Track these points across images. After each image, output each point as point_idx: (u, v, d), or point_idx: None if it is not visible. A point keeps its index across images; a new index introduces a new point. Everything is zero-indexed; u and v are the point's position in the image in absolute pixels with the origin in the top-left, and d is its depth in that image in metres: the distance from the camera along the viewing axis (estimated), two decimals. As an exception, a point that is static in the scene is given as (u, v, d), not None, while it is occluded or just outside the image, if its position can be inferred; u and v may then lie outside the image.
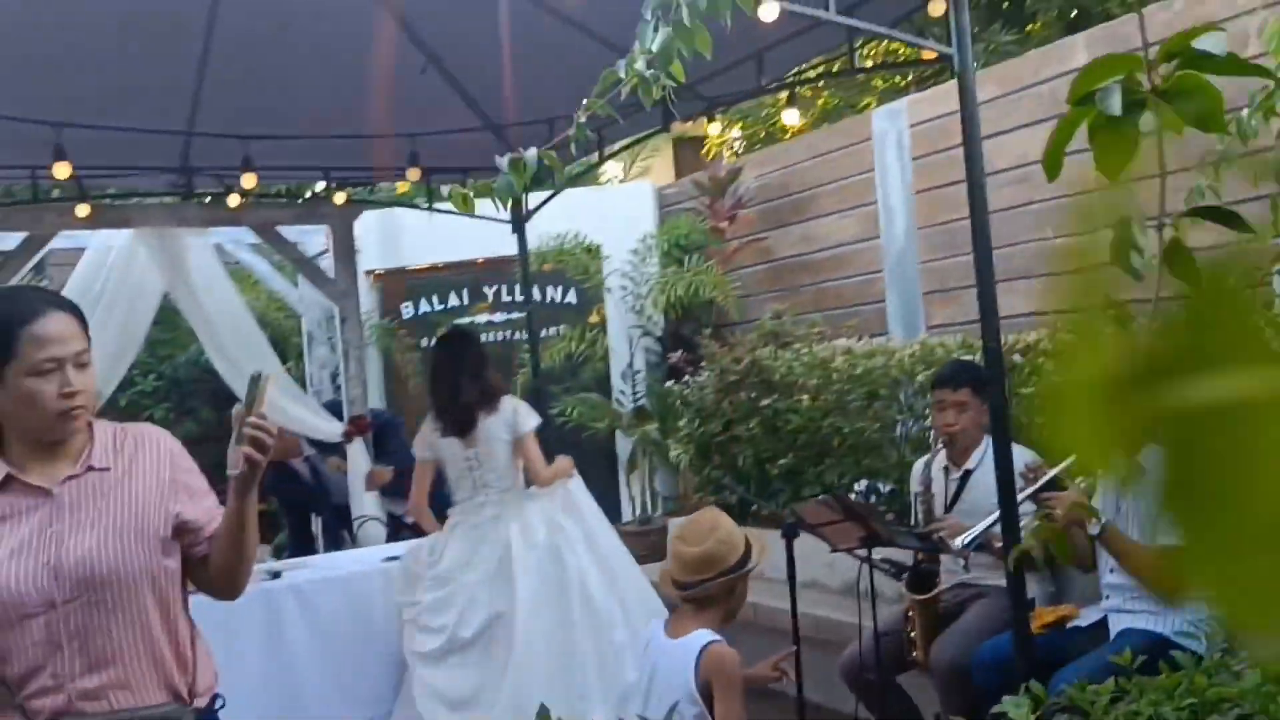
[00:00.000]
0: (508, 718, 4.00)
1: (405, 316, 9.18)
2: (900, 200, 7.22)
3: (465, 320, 9.14)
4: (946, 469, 4.10)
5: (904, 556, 3.83)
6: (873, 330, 7.09)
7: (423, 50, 4.90)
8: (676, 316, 8.00)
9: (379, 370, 9.18)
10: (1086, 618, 3.57)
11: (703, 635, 2.66)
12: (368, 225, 9.15)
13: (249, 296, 7.92)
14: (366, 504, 5.72)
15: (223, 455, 1.97)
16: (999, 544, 3.68)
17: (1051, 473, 3.54)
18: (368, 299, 9.18)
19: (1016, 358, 4.73)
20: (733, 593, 2.72)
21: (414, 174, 5.30)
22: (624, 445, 8.20)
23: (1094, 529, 3.42)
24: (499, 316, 9.09)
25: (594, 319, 8.71)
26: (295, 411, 5.59)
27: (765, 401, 5.38)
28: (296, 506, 6.24)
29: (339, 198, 5.47)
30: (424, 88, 5.10)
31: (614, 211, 8.60)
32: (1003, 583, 3.91)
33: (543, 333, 8.34)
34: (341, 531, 5.85)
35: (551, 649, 4.24)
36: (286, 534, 6.59)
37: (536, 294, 9.03)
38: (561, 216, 8.29)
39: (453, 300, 9.16)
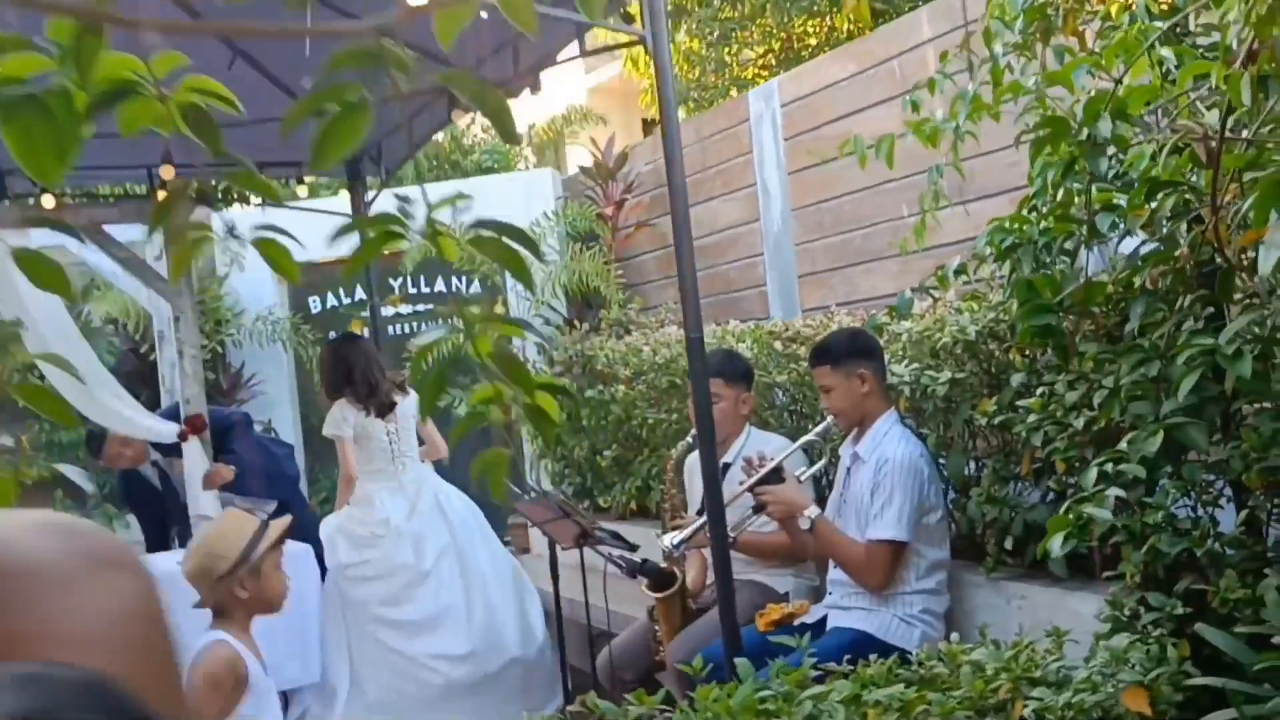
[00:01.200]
0: (478, 631, 4.88)
1: (314, 311, 9.15)
2: (776, 182, 7.09)
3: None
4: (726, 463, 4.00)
5: (652, 553, 3.72)
6: (757, 315, 6.97)
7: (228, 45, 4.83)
8: (578, 305, 7.91)
9: (289, 366, 9.16)
10: (814, 615, 3.46)
11: (209, 636, 2.63)
12: (271, 219, 9.11)
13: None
14: (204, 504, 5.66)
15: None
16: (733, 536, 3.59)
17: (772, 464, 3.43)
18: (275, 294, 9.17)
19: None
20: (242, 590, 2.65)
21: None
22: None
23: (804, 522, 3.31)
24: (405, 309, 9.04)
25: (499, 308, 8.62)
26: (128, 415, 5.54)
27: (590, 391, 5.28)
28: (150, 513, 6.19)
29: (162, 195, 5.38)
30: (238, 81, 5.02)
31: (513, 199, 8.50)
32: (755, 577, 3.82)
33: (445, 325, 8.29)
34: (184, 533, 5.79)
35: (492, 575, 5.08)
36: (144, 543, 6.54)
37: (442, 285, 9.02)
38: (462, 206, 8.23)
39: (360, 294, 9.11)
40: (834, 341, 3.48)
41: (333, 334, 8.66)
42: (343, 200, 6.78)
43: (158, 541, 6.24)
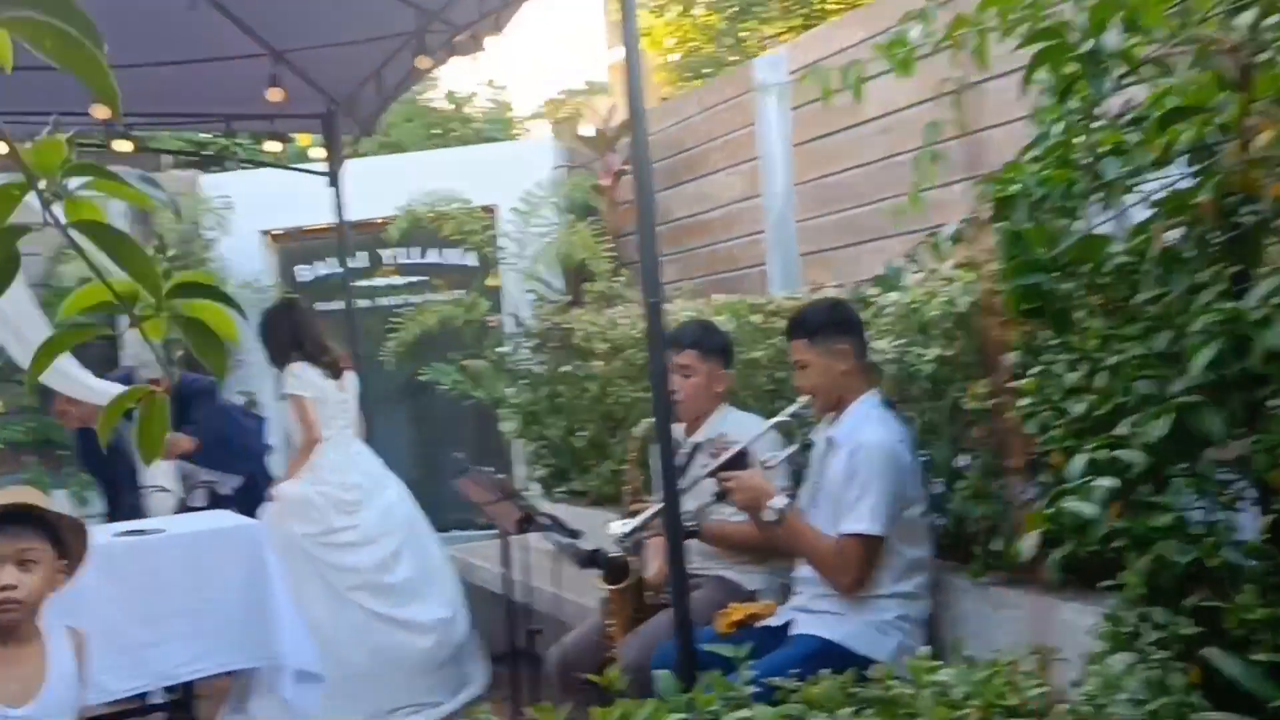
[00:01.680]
0: (451, 597, 4.92)
1: (302, 280, 8.82)
2: (780, 154, 6.71)
3: (364, 284, 8.78)
4: (697, 445, 3.65)
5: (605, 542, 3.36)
6: (756, 294, 6.61)
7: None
8: (575, 280, 7.55)
9: (271, 336, 8.81)
10: (780, 617, 3.11)
11: None
12: (261, 182, 8.81)
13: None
14: (157, 473, 5.34)
15: None
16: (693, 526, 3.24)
17: (737, 448, 3.08)
18: (262, 261, 8.85)
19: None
20: None
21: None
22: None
23: (769, 515, 2.95)
24: (399, 280, 8.70)
25: (492, 282, 8.27)
26: (70, 372, 5.23)
27: (566, 367, 4.92)
28: (105, 476, 5.89)
29: (124, 145, 5.07)
30: (200, 24, 4.70)
31: (509, 168, 8.13)
32: (726, 573, 3.47)
33: (433, 297, 7.96)
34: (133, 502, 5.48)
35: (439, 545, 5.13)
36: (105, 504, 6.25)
37: (436, 256, 8.67)
38: (458, 174, 7.89)
39: (351, 262, 8.76)
40: (811, 313, 3.10)
41: (324, 305, 8.37)
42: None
43: (116, 504, 5.94)
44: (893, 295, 3.13)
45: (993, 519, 2.83)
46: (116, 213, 7.41)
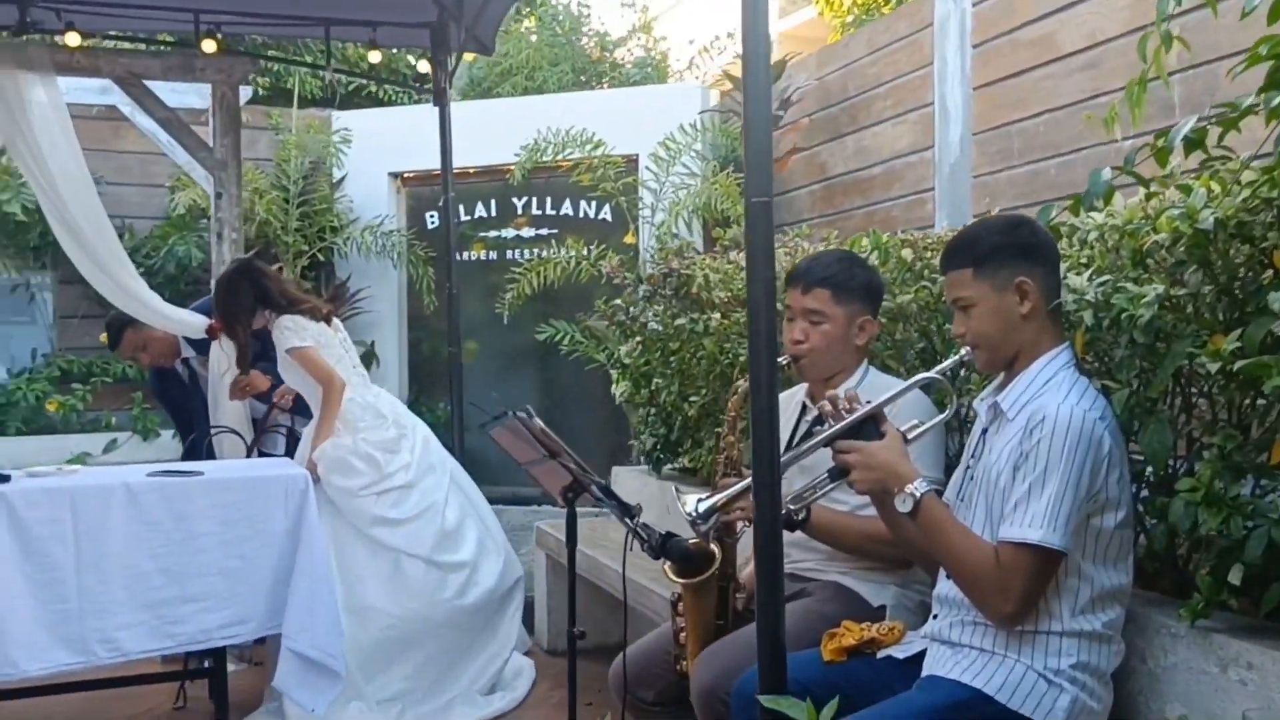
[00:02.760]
0: (496, 542, 4.50)
1: (430, 227, 8.29)
2: (958, 99, 5.79)
3: (493, 234, 8.20)
4: (805, 405, 2.85)
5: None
6: (918, 262, 5.72)
7: None
8: (714, 234, 6.78)
9: (400, 284, 8.33)
10: (908, 648, 2.28)
11: None
12: (393, 122, 8.31)
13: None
14: (227, 414, 4.83)
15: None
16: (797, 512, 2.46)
17: (868, 408, 2.27)
18: (389, 205, 8.36)
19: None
20: None
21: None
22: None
23: (904, 504, 2.13)
24: (528, 231, 8.08)
25: (630, 239, 7.56)
26: (150, 302, 4.78)
27: (680, 320, 4.16)
28: (177, 415, 5.43)
29: (209, 45, 4.54)
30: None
31: (653, 112, 7.39)
32: (840, 579, 2.68)
33: (563, 252, 7.29)
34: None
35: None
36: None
37: (569, 208, 8.01)
38: (598, 119, 7.21)
39: (480, 211, 8.20)
40: (979, 234, 2.24)
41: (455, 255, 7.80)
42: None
43: (191, 449, 5.49)
44: (1096, 216, 2.26)
45: (1231, 537, 1.94)
46: (259, 144, 7.01)
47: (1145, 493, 2.29)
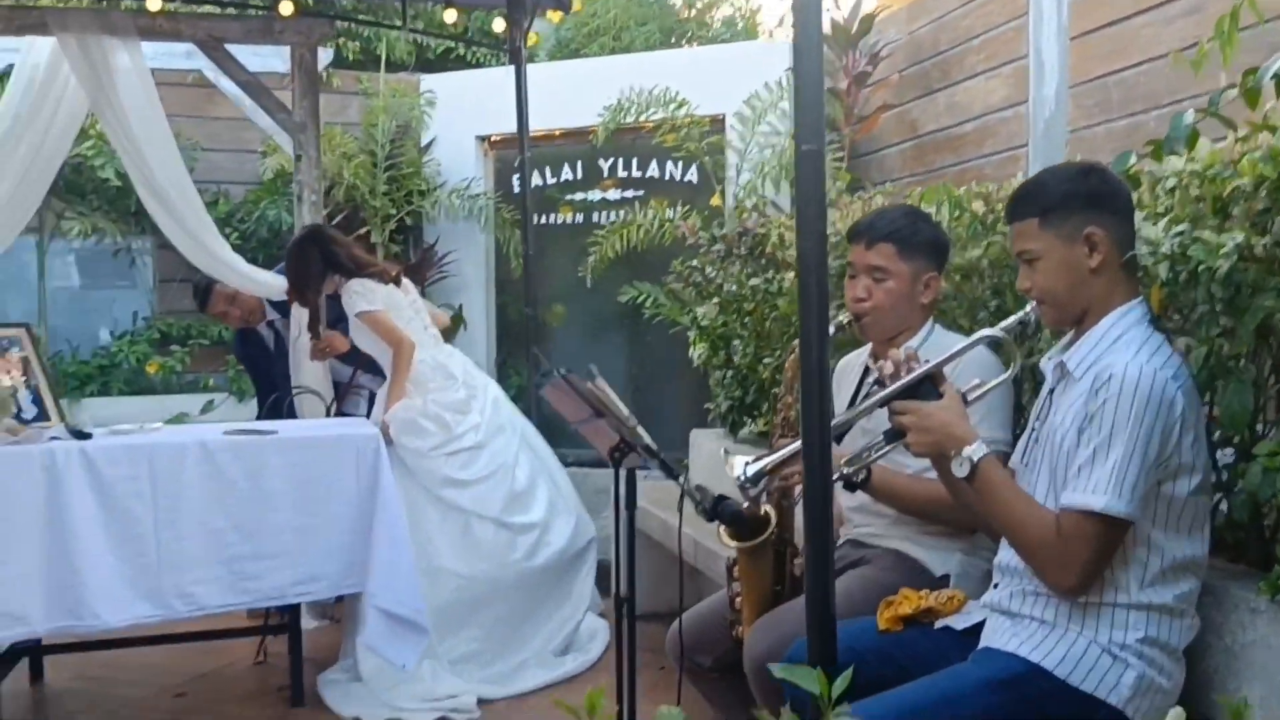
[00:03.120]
0: (567, 502, 4.54)
1: (517, 190, 8.26)
2: (1055, 51, 5.53)
3: (579, 197, 8.15)
4: (868, 366, 2.75)
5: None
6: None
7: None
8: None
9: (487, 247, 8.35)
10: (966, 618, 2.18)
11: None
12: (480, 84, 8.28)
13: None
14: (305, 374, 4.88)
15: None
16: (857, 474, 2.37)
17: (927, 366, 2.17)
18: (477, 167, 8.35)
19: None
20: None
21: None
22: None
23: (961, 467, 2.02)
24: (614, 194, 8.01)
25: (715, 201, 7.44)
26: (234, 264, 4.85)
27: (755, 280, 4.06)
28: (259, 375, 5.52)
29: (285, 7, 4.56)
30: None
31: (738, 70, 7.23)
32: (901, 545, 2.59)
33: (649, 215, 7.21)
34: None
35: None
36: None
37: (655, 170, 7.91)
38: (683, 79, 7.09)
39: (566, 174, 8.15)
40: (1046, 181, 2.11)
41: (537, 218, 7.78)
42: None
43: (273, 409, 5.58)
44: (1175, 162, 2.11)
45: (1314, 506, 1.80)
46: (350, 109, 7.05)
47: (1233, 458, 2.15)
